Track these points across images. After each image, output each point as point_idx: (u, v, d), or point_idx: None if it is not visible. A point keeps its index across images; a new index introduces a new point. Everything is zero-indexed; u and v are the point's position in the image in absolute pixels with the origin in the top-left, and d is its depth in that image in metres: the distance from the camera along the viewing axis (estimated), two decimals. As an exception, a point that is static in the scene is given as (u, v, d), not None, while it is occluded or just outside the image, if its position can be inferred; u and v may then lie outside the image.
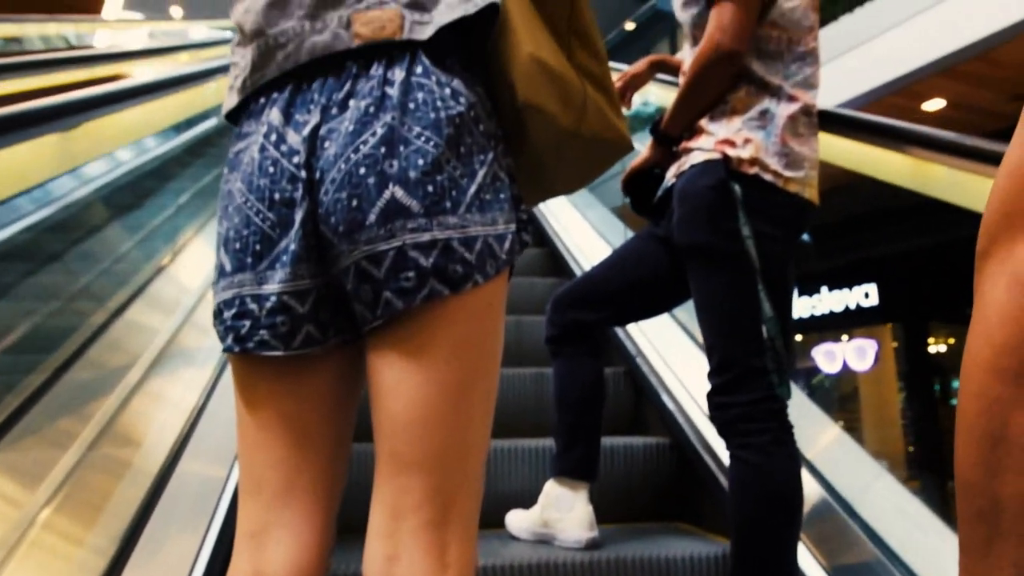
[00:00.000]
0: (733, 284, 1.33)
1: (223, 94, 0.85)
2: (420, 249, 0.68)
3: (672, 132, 1.46)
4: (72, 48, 3.24)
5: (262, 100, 0.76)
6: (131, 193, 3.43)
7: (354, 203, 0.68)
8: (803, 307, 9.05)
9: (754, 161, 1.34)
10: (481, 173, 0.72)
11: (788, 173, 1.35)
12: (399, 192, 0.68)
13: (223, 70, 3.28)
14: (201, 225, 3.54)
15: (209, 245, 3.33)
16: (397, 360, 0.70)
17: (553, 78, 0.78)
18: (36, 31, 5.20)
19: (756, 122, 1.36)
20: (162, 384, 2.04)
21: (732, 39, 1.32)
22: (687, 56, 1.54)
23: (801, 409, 1.64)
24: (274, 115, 0.73)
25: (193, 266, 3.03)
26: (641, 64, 1.82)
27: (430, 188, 0.68)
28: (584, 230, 3.84)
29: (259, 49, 0.75)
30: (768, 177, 1.34)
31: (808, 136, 1.40)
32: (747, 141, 1.35)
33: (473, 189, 0.70)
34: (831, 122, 1.76)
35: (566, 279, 3.41)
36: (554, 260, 3.77)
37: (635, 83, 1.81)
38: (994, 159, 1.49)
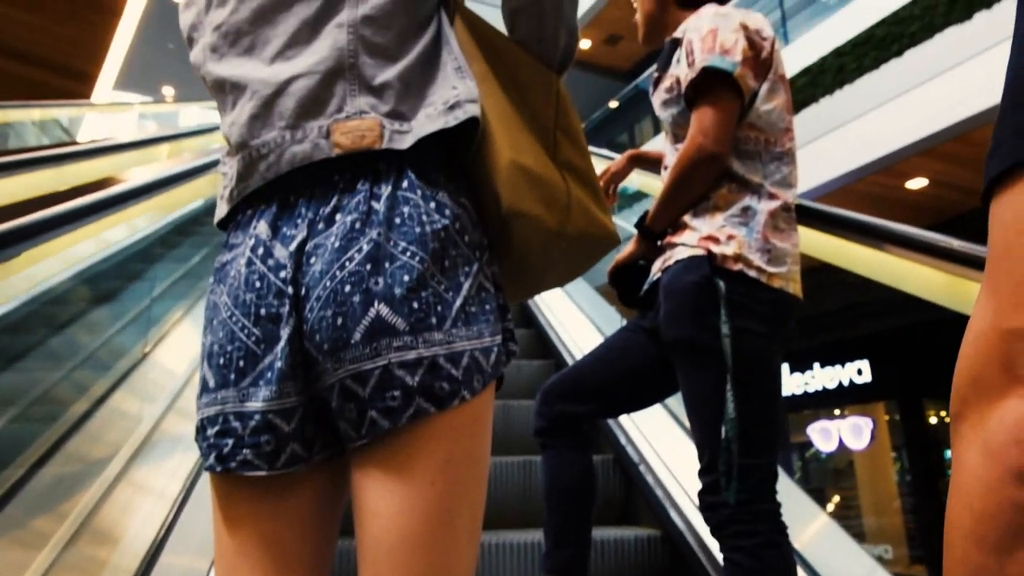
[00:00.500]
0: (717, 383, 1.32)
1: (213, 181, 0.84)
2: (406, 367, 0.67)
3: (657, 228, 1.49)
4: (53, 146, 3.25)
5: (249, 211, 0.77)
6: (114, 276, 3.39)
7: (339, 321, 0.67)
8: (795, 384, 8.98)
9: (738, 258, 1.35)
10: (467, 286, 0.72)
11: (772, 269, 1.36)
12: (384, 310, 0.67)
13: (208, 167, 3.30)
14: (188, 307, 3.49)
15: (195, 326, 3.28)
16: (381, 479, 0.69)
17: (535, 182, 0.78)
18: (21, 116, 5.27)
19: (738, 219, 1.39)
20: (145, 474, 1.98)
21: (715, 142, 1.35)
22: (667, 151, 1.57)
23: (794, 499, 1.57)
24: (261, 227, 0.74)
25: (178, 350, 2.97)
26: (621, 160, 1.86)
27: (415, 305, 0.68)
28: (570, 310, 3.83)
29: (244, 160, 0.76)
30: (752, 273, 1.35)
31: (788, 231, 1.42)
32: (730, 238, 1.37)
33: (459, 303, 0.70)
34: (806, 216, 1.80)
35: (553, 360, 3.39)
36: (541, 341, 3.73)
37: (617, 178, 1.85)
38: (969, 262, 1.50)
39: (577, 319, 3.71)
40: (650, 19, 1.63)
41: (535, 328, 3.83)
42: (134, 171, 3.18)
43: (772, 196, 1.40)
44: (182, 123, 9.30)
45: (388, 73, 0.75)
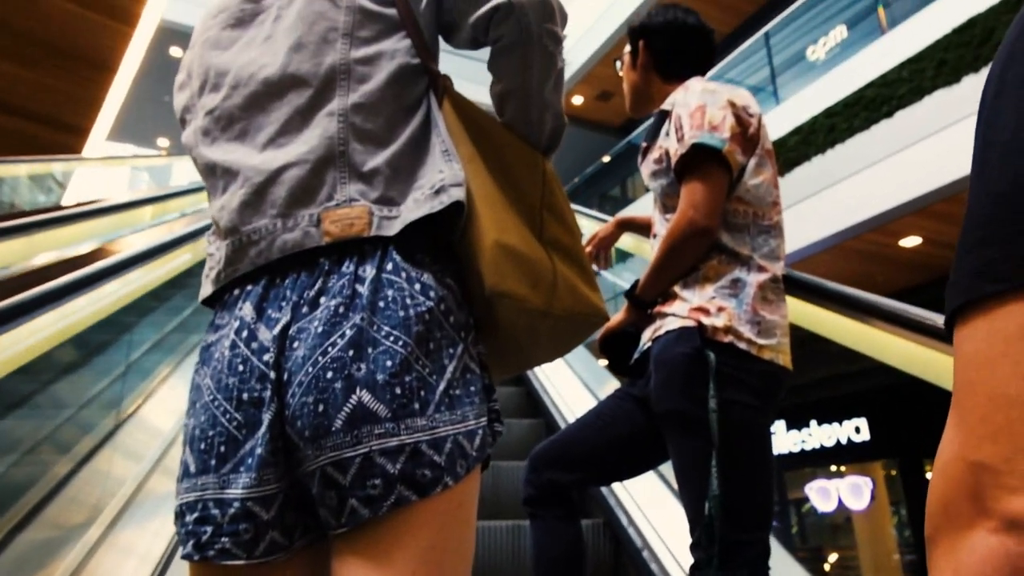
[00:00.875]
0: (707, 454, 1.31)
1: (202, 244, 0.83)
2: (387, 455, 0.66)
3: (647, 297, 1.50)
4: (38, 212, 3.22)
5: (236, 292, 0.77)
6: (99, 331, 3.30)
7: (320, 408, 0.67)
8: (792, 441, 8.84)
9: (728, 330, 1.36)
10: (451, 368, 0.71)
11: (761, 341, 1.36)
12: (366, 397, 0.66)
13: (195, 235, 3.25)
14: (176, 364, 3.40)
15: (181, 383, 3.19)
16: (361, 568, 0.67)
17: (520, 261, 0.78)
18: (11, 172, 5.22)
19: (728, 290, 1.40)
20: (128, 537, 1.94)
21: (704, 216, 1.38)
22: (657, 220, 1.59)
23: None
24: (247, 310, 0.74)
25: (163, 408, 2.87)
26: (609, 226, 1.87)
27: (398, 391, 0.67)
28: (560, 369, 3.75)
29: (233, 245, 0.77)
30: (742, 345, 1.35)
31: (777, 303, 1.43)
32: (720, 309, 1.38)
33: (443, 386, 0.70)
34: (794, 286, 1.82)
35: (543, 420, 3.32)
36: (531, 400, 3.64)
37: (604, 244, 1.87)
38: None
39: (568, 378, 3.63)
40: (636, 90, 1.67)
41: (524, 387, 3.75)
42: (123, 240, 3.12)
43: (761, 268, 1.42)
44: (175, 176, 9.28)
45: (377, 159, 0.76)
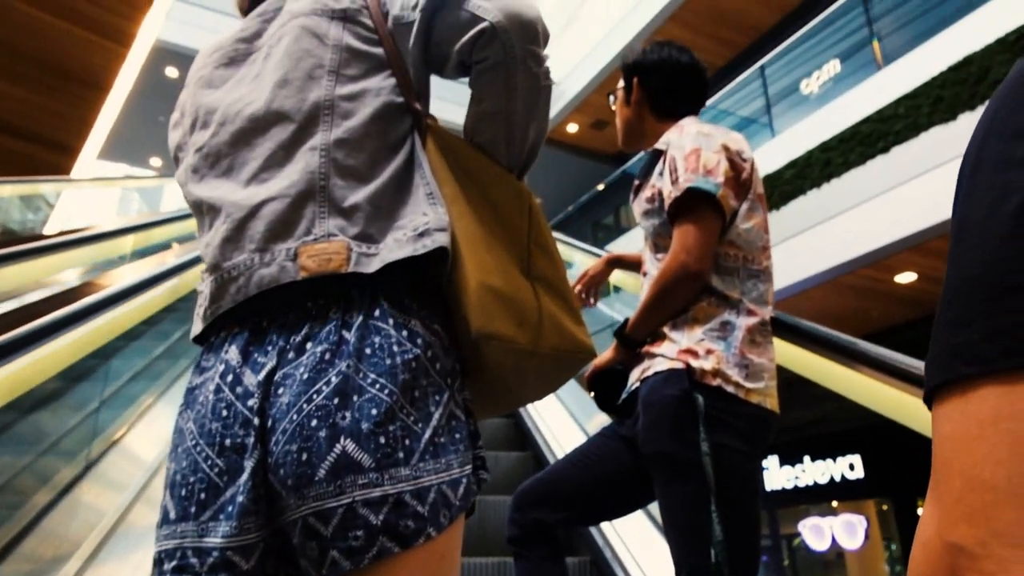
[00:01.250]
0: (695, 497, 1.31)
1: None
2: (370, 506, 0.65)
3: (636, 337, 1.50)
4: (22, 240, 3.16)
5: (224, 333, 0.77)
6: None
7: (304, 457, 0.66)
8: (785, 477, 8.73)
9: (716, 372, 1.36)
10: (436, 415, 0.71)
11: (749, 384, 1.36)
12: (350, 446, 0.66)
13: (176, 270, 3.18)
14: (160, 392, 3.30)
15: (168, 410, 3.09)
16: None
17: (506, 301, 0.78)
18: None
19: (717, 332, 1.40)
20: (108, 571, 1.90)
21: (697, 260, 1.38)
22: (648, 259, 1.59)
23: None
24: (232, 353, 0.74)
25: (148, 437, 2.80)
26: (599, 263, 1.88)
27: (382, 440, 0.67)
28: (548, 400, 3.67)
29: (216, 282, 0.77)
30: (730, 389, 1.35)
31: (765, 345, 1.43)
32: (709, 352, 1.38)
33: (428, 435, 0.69)
34: (780, 329, 1.81)
35: (531, 452, 3.27)
36: (519, 432, 3.57)
37: (594, 282, 1.87)
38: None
39: (556, 411, 3.57)
40: (629, 126, 1.67)
41: (513, 419, 3.69)
42: (110, 274, 3.06)
43: (750, 312, 1.42)
44: (166, 197, 9.19)
45: (358, 195, 0.76)
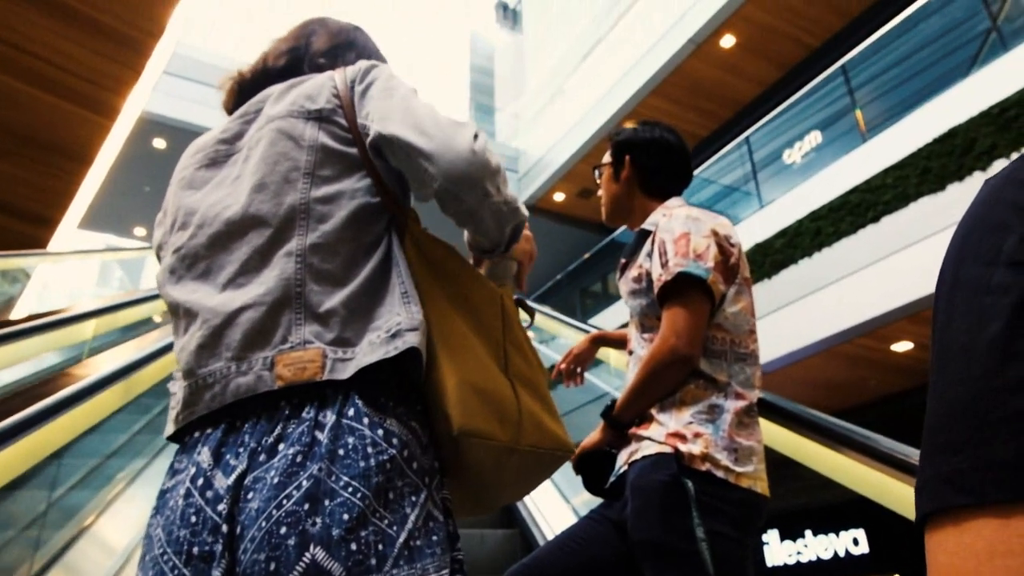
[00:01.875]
0: None
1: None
2: None
3: (623, 419, 1.49)
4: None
5: (197, 433, 0.76)
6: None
7: (272, 567, 0.64)
8: (786, 553, 8.40)
9: (705, 457, 1.35)
10: (412, 517, 0.69)
11: (739, 468, 1.35)
12: (320, 554, 0.64)
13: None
14: (144, 465, 3.05)
15: (144, 493, 2.90)
16: None
17: (486, 398, 0.79)
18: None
19: (705, 415, 1.40)
20: None
21: (686, 344, 1.38)
22: (634, 338, 1.59)
23: None
24: (204, 455, 0.72)
25: (127, 515, 2.68)
26: (584, 342, 1.88)
27: (354, 547, 0.65)
28: None
29: (190, 388, 0.77)
30: (720, 473, 1.34)
31: (752, 427, 1.43)
32: (697, 436, 1.37)
33: (403, 537, 0.68)
34: (767, 410, 1.82)
35: (518, 530, 3.16)
36: (506, 510, 3.42)
37: (580, 360, 1.87)
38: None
39: (544, 487, 3.38)
40: (617, 202, 1.68)
41: (500, 495, 3.49)
42: (86, 364, 2.92)
43: (738, 395, 1.42)
44: (147, 270, 9.05)
45: (334, 299, 0.76)
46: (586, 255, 11.92)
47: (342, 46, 1.03)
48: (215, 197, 0.84)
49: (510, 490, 0.91)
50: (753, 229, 6.75)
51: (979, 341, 0.30)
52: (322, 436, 0.68)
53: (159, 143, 10.33)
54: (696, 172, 9.38)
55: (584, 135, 11.29)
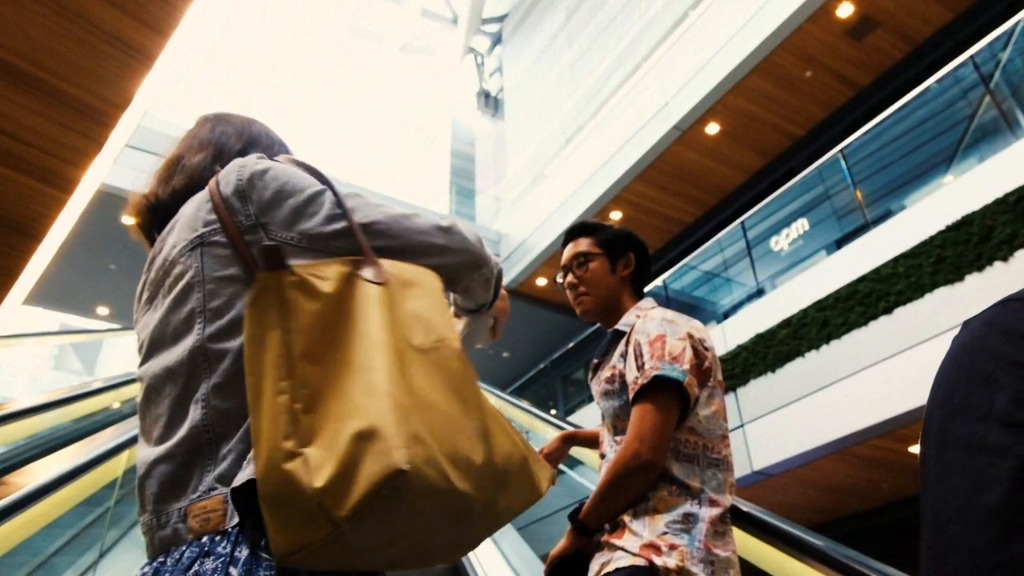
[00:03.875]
0: None
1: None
2: None
3: (591, 525, 1.47)
4: None
5: (144, 568, 0.74)
6: None
7: None
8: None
9: (681, 571, 1.30)
10: None
11: None
12: None
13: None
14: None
15: None
16: None
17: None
18: None
19: (680, 525, 1.36)
20: None
21: (651, 450, 1.36)
22: (606, 439, 1.57)
23: None
24: None
25: None
26: (554, 442, 1.88)
27: None
28: (489, 550, 3.39)
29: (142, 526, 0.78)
30: None
31: (727, 536, 1.39)
32: (672, 547, 1.33)
33: None
34: (740, 519, 1.77)
35: None
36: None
37: (551, 460, 1.86)
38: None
39: (498, 564, 3.32)
40: (610, 296, 1.65)
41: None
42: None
43: (712, 502, 1.40)
44: (105, 353, 8.42)
45: (235, 436, 0.74)
46: (571, 344, 11.54)
47: (248, 147, 1.01)
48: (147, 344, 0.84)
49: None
50: (751, 318, 6.42)
51: (978, 505, 0.31)
52: (235, 572, 0.67)
53: (127, 219, 9.89)
54: (685, 261, 9.16)
55: (567, 220, 11.11)
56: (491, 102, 17.36)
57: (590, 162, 11.05)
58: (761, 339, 6.08)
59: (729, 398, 6.09)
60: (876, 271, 5.37)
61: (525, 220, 12.50)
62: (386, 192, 12.20)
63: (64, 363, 10.29)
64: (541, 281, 12.11)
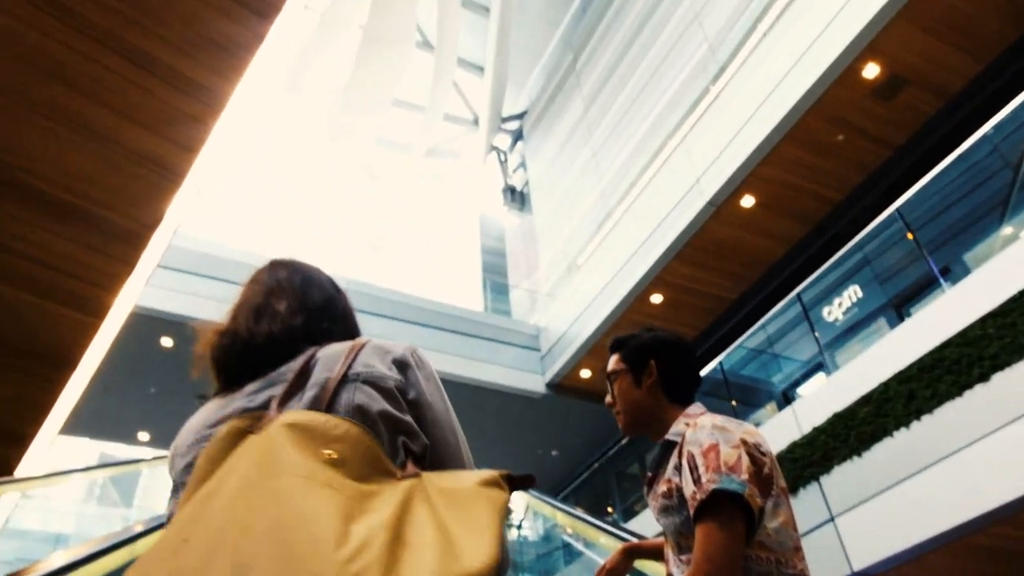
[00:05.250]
0: None
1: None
2: None
3: None
4: None
5: None
6: None
7: None
8: None
9: None
10: None
11: None
12: None
13: None
14: None
15: None
16: None
17: None
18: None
19: None
20: None
21: (720, 570, 1.29)
22: (671, 560, 1.51)
23: None
24: None
25: None
26: (615, 556, 1.81)
27: None
28: None
29: None
30: None
31: None
32: None
33: None
34: None
35: None
36: None
37: (613, 574, 1.78)
38: None
39: None
40: (642, 410, 1.63)
41: None
42: None
43: None
44: (143, 484, 8.13)
45: None
46: (623, 440, 10.96)
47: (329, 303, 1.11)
48: None
49: None
50: (824, 397, 5.90)
51: None
52: None
53: (167, 341, 9.84)
54: (739, 341, 8.73)
55: (608, 307, 10.79)
56: (517, 196, 17.52)
57: (624, 247, 10.84)
58: (840, 419, 5.54)
59: (812, 489, 5.50)
60: (962, 334, 4.89)
61: (563, 311, 12.20)
62: (420, 295, 12.07)
63: (106, 495, 10.00)
64: (585, 373, 11.66)
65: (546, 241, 14.58)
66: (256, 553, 0.65)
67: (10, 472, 5.41)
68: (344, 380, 0.89)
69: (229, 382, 0.98)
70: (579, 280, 12.09)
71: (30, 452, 5.44)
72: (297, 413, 0.84)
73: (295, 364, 0.94)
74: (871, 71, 7.69)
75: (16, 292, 4.61)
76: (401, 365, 0.95)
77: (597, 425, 12.17)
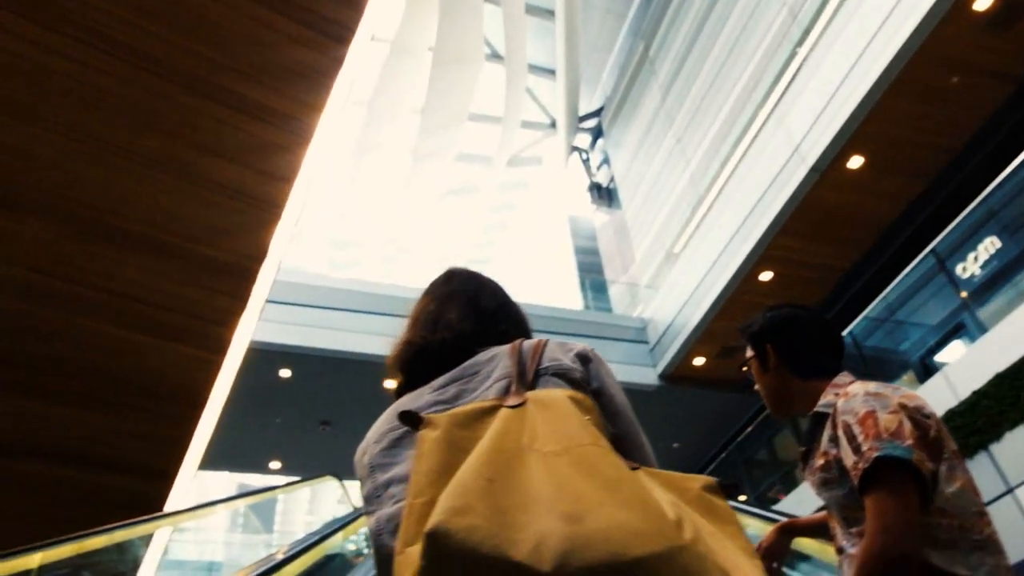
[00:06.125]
0: None
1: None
2: None
3: None
4: None
5: None
6: None
7: None
8: None
9: None
10: None
11: None
12: None
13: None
14: None
15: None
16: None
17: None
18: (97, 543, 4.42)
19: None
20: None
21: (899, 538, 1.23)
22: (840, 534, 1.44)
23: None
24: None
25: None
26: (771, 534, 1.72)
27: None
28: None
29: None
30: None
31: None
32: None
33: None
34: None
35: None
36: None
37: (772, 556, 1.69)
38: None
39: None
40: (776, 393, 1.62)
41: None
42: None
43: None
44: (281, 510, 8.47)
45: None
46: (746, 423, 10.48)
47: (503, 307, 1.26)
48: None
49: None
50: (977, 359, 5.35)
51: None
52: None
53: (285, 373, 10.27)
54: (866, 312, 8.14)
55: (714, 291, 10.37)
56: (604, 193, 17.27)
57: (724, 227, 10.40)
58: (1004, 380, 4.99)
59: (981, 459, 4.98)
60: None
61: (667, 301, 11.85)
62: (522, 300, 12.05)
63: (249, 523, 10.52)
64: (699, 361, 11.25)
65: (638, 233, 14.26)
66: (587, 508, 0.69)
67: (160, 508, 5.73)
68: (536, 373, 0.97)
69: (410, 383, 1.10)
70: (679, 267, 11.71)
71: (175, 487, 5.74)
72: (557, 390, 0.93)
73: (482, 358, 1.05)
74: (982, 3, 7.01)
75: (143, 337, 4.87)
76: (583, 359, 1.02)
77: (717, 414, 11.70)
